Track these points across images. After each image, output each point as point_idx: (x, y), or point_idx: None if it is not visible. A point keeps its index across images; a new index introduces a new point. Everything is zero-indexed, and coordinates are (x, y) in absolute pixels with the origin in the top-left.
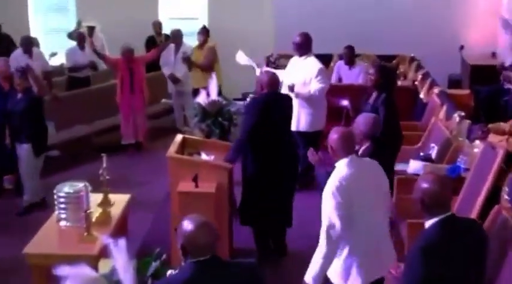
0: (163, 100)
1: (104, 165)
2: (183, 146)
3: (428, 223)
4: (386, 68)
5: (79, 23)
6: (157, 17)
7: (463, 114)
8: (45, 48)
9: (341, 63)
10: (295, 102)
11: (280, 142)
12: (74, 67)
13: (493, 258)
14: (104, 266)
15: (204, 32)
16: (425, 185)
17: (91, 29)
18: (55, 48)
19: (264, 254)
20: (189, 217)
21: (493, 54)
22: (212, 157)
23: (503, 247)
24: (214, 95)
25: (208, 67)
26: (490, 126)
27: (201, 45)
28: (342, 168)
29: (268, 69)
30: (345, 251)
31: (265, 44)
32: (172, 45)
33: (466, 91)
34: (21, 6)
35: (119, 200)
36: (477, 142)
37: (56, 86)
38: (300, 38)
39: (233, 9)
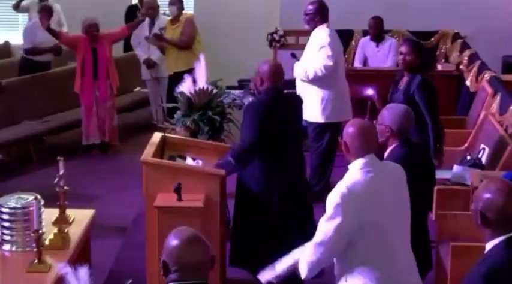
0: (138, 88)
1: (61, 171)
2: (163, 148)
3: (490, 244)
4: (422, 45)
5: None
6: None
7: None
8: None
9: (366, 39)
10: (306, 87)
11: (288, 152)
12: (35, 48)
13: None
14: None
15: (179, 0)
16: (488, 195)
17: None
18: None
19: None
20: (179, 228)
21: None
22: (200, 162)
23: None
24: (202, 82)
25: (189, 44)
26: None
27: (176, 19)
28: (355, 171)
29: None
30: (356, 281)
31: (268, 17)
32: (146, 20)
33: None
34: None
35: (80, 217)
36: None
37: (2, 70)
38: (313, 6)
39: None
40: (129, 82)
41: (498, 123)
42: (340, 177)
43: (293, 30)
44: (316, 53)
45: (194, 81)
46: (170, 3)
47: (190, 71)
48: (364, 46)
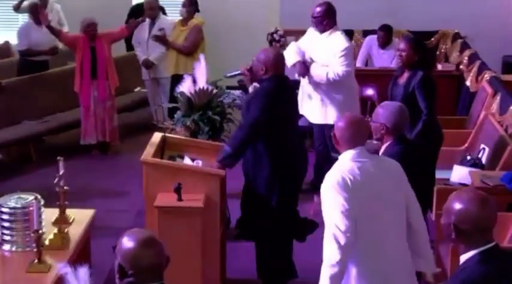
0: (138, 88)
1: (61, 171)
2: (163, 148)
3: (464, 257)
4: (420, 42)
5: None
6: None
7: None
8: None
9: (373, 40)
10: (315, 88)
11: (293, 139)
12: (30, 50)
13: None
14: None
15: (191, 3)
16: (460, 206)
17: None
18: None
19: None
20: (133, 230)
21: None
22: (200, 162)
23: None
24: (202, 82)
25: (191, 51)
26: None
27: (185, 21)
28: (345, 161)
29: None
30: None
31: (268, 17)
32: (146, 20)
33: None
34: None
35: (80, 217)
36: None
37: (2, 71)
38: (321, 9)
39: None
40: (129, 82)
41: (498, 123)
42: None
43: (293, 30)
44: (335, 57)
45: (194, 81)
46: (182, 5)
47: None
48: (370, 45)
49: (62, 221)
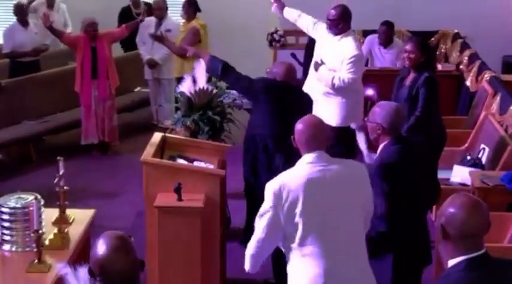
0: (138, 88)
1: (61, 171)
2: (163, 148)
3: (452, 262)
4: (426, 43)
5: None
6: None
7: None
8: None
9: (374, 39)
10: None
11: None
12: (14, 52)
13: None
14: None
15: (189, 4)
16: (451, 209)
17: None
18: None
19: None
20: (106, 234)
21: None
22: (200, 162)
23: None
24: (202, 82)
25: (183, 53)
26: None
27: (187, 22)
28: (303, 164)
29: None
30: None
31: (268, 17)
32: (153, 19)
33: None
34: None
35: (80, 217)
36: None
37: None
38: (337, 12)
39: None
40: (129, 82)
41: (498, 123)
42: None
43: (293, 30)
44: (342, 64)
45: (194, 81)
46: (182, 6)
47: None
48: (372, 45)
49: (62, 221)
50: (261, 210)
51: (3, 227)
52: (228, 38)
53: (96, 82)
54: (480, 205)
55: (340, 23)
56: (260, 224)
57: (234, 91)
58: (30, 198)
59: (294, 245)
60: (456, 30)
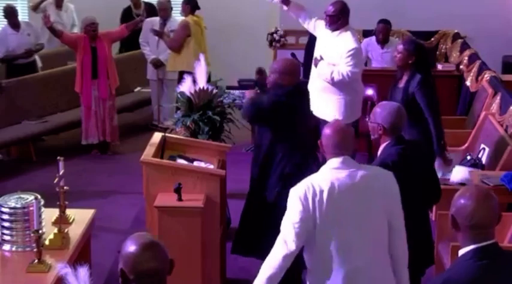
0: (138, 88)
1: (61, 171)
2: (163, 148)
3: (462, 251)
4: (418, 43)
5: None
6: None
7: None
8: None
9: (372, 40)
10: (321, 85)
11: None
12: (7, 56)
13: None
14: None
15: (186, 1)
16: (461, 200)
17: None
18: None
19: None
20: (136, 235)
21: None
22: (200, 162)
23: None
24: (202, 82)
25: (173, 47)
26: None
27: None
28: (327, 169)
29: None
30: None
31: (268, 17)
32: (156, 19)
33: None
34: None
35: (80, 217)
36: None
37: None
38: (335, 8)
39: None
40: (129, 82)
41: (498, 123)
42: None
43: (293, 30)
44: (341, 58)
45: (194, 81)
46: (182, 3)
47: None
48: (369, 48)
49: (62, 221)
50: (287, 220)
51: (3, 227)
52: (228, 38)
53: (97, 83)
54: (490, 196)
55: (340, 19)
56: (288, 236)
57: (234, 92)
58: (30, 197)
59: (315, 250)
60: (456, 30)
